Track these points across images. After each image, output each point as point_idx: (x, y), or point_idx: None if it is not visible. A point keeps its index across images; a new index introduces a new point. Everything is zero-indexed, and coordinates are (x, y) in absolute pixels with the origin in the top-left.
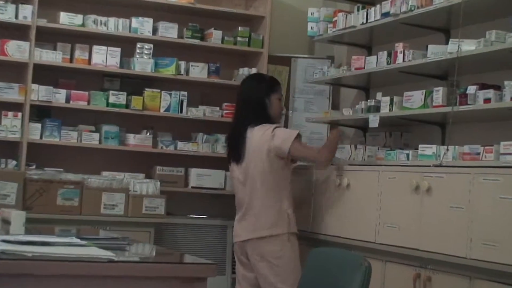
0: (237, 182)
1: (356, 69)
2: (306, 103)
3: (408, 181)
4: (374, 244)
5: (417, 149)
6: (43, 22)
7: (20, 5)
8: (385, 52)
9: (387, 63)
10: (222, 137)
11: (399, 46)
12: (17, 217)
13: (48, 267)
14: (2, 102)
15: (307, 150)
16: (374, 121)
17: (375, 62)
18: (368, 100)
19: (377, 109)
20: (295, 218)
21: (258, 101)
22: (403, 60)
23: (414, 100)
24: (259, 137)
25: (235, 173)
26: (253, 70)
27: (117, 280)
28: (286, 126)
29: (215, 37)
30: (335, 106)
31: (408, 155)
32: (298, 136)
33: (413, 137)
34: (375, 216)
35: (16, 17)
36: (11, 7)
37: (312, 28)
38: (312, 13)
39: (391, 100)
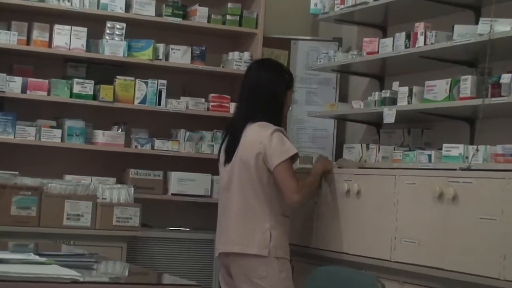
0: (222, 185)
1: (368, 53)
2: (309, 94)
3: (430, 188)
4: (389, 262)
5: (441, 149)
6: None
7: None
8: (403, 34)
9: (405, 47)
10: (208, 135)
11: (420, 27)
12: None
13: None
14: None
15: (288, 181)
16: (389, 115)
17: (391, 46)
18: (383, 91)
19: (393, 101)
20: (285, 242)
21: (273, 96)
22: (425, 43)
23: (437, 91)
24: (252, 136)
25: (223, 175)
26: (245, 55)
27: None
28: (284, 121)
29: (200, 14)
30: (343, 97)
31: (430, 156)
32: (293, 158)
33: (436, 135)
34: (390, 229)
35: None
36: None
37: (315, 4)
38: None
39: (410, 91)
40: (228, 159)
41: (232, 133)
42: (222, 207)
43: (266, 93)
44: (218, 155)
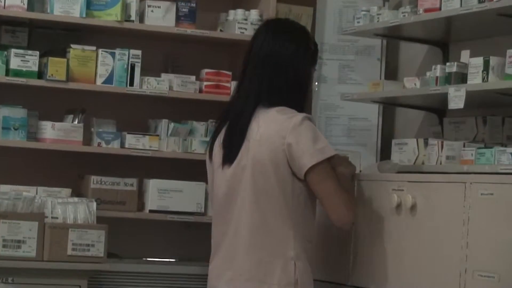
0: (218, 196)
1: (426, 10)
2: (342, 69)
3: None
4: None
5: None
6: None
7: None
8: None
9: (480, 1)
10: (200, 127)
11: None
12: None
13: None
14: None
15: (335, 193)
16: (457, 98)
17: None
18: (447, 64)
19: (462, 78)
20: (311, 277)
21: (295, 73)
22: None
23: None
24: (270, 126)
25: (220, 182)
26: (252, 14)
27: None
28: (309, 107)
29: None
30: (392, 73)
31: None
32: (332, 158)
33: None
34: (458, 259)
35: None
36: None
37: None
38: None
39: (486, 63)
40: (228, 160)
41: (233, 121)
42: (220, 229)
43: (285, 69)
44: (210, 153)
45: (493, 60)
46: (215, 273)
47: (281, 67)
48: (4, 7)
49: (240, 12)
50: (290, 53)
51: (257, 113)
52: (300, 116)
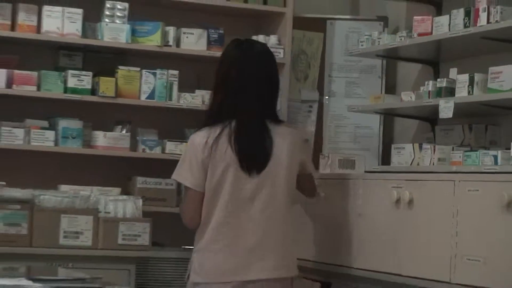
0: (237, 195)
1: (420, 35)
2: (349, 85)
3: (497, 195)
4: (448, 284)
5: (509, 149)
6: None
7: None
8: (461, 11)
9: (465, 26)
10: None
11: (482, 1)
12: None
13: None
14: None
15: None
16: (446, 109)
17: (447, 25)
18: (438, 80)
19: (451, 92)
20: None
21: (277, 87)
22: (488, 22)
23: (504, 79)
24: (292, 144)
25: (243, 186)
26: (272, 39)
27: None
28: (320, 117)
29: None
30: (391, 88)
31: (496, 157)
32: None
33: (503, 132)
34: (449, 245)
35: None
36: None
37: None
38: None
39: (471, 79)
40: (256, 169)
41: (252, 134)
42: (246, 221)
43: (276, 87)
44: (210, 149)
45: (477, 76)
46: (249, 263)
47: (276, 84)
48: (62, 35)
49: (261, 38)
50: (276, 73)
51: (269, 129)
52: (301, 129)
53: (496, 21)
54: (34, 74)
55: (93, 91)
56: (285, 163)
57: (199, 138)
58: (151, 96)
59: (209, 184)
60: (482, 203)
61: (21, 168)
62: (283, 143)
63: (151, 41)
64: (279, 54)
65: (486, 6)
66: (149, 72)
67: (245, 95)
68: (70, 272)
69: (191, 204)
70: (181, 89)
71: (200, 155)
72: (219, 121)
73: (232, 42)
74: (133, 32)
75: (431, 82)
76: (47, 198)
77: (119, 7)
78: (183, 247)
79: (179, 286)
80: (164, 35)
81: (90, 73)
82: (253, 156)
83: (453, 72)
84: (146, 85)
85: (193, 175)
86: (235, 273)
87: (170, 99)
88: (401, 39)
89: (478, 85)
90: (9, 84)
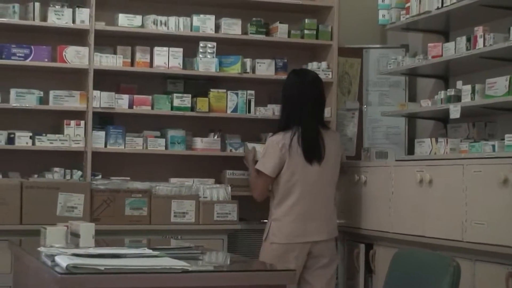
0: (306, 181)
1: (433, 57)
2: (381, 96)
3: (496, 175)
4: (461, 242)
5: (504, 139)
6: (101, 26)
7: (77, 9)
8: (464, 38)
9: (467, 49)
10: None
11: (479, 30)
12: (86, 230)
13: (122, 280)
14: (64, 111)
15: None
16: (455, 111)
17: (454, 49)
18: (448, 90)
19: (457, 98)
20: None
21: (324, 102)
22: (484, 45)
23: (497, 88)
24: (336, 142)
25: (310, 173)
26: (323, 64)
27: None
28: (360, 121)
29: (281, 31)
30: (412, 97)
31: (494, 146)
32: None
33: (498, 127)
34: (461, 213)
35: (74, 21)
36: (67, 12)
37: (383, 15)
38: (382, 0)
39: (473, 89)
40: (317, 160)
41: (312, 136)
42: (309, 202)
43: (324, 102)
44: (289, 149)
45: (477, 86)
46: (315, 229)
47: (324, 102)
48: (168, 68)
49: (315, 64)
50: (323, 93)
51: (323, 132)
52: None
53: (490, 44)
54: (149, 97)
55: (192, 108)
56: (334, 156)
57: (277, 139)
58: (235, 110)
59: (285, 172)
60: (484, 181)
61: (141, 167)
62: (331, 142)
63: (234, 70)
64: (329, 75)
65: (482, 34)
66: (233, 92)
67: (305, 109)
68: (180, 242)
69: (263, 185)
70: (257, 104)
71: (278, 151)
72: (288, 128)
73: (292, 72)
74: (220, 64)
75: (442, 92)
76: (161, 188)
77: (209, 45)
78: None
79: (259, 249)
80: (243, 65)
81: (190, 95)
82: (314, 152)
83: (459, 84)
84: (231, 102)
85: (271, 165)
86: (305, 236)
87: (249, 112)
88: (419, 61)
89: (478, 93)
90: (130, 105)
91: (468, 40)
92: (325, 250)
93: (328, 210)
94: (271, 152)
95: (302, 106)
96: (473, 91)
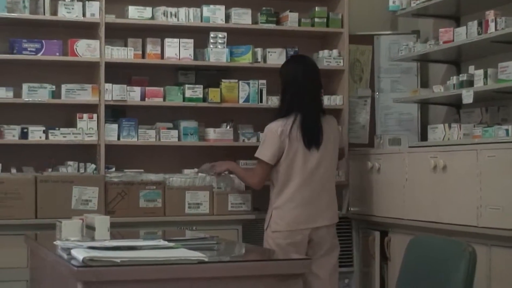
0: (306, 167)
1: (444, 42)
2: (393, 83)
3: (510, 159)
4: (476, 228)
5: None
6: (111, 18)
7: (87, 2)
8: (475, 22)
9: (478, 34)
10: None
11: (490, 14)
12: (102, 222)
13: (138, 272)
14: (76, 104)
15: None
16: (467, 96)
17: (465, 34)
18: (460, 75)
19: (470, 83)
20: None
21: (321, 87)
22: (495, 29)
23: (510, 72)
24: (334, 128)
25: (309, 158)
26: (334, 52)
27: (209, 281)
28: (373, 108)
29: (291, 19)
30: (424, 83)
31: (507, 131)
32: None
33: (511, 111)
34: (475, 198)
35: (84, 15)
36: (77, 5)
37: (393, 2)
38: None
39: (485, 73)
40: (316, 146)
41: (311, 122)
42: (310, 188)
43: (321, 87)
44: (289, 135)
45: (490, 71)
46: (316, 214)
47: (320, 87)
48: (179, 59)
49: (326, 52)
50: (320, 78)
51: (322, 118)
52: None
53: (502, 28)
54: (161, 89)
55: (204, 99)
56: (332, 141)
57: (276, 127)
58: (247, 100)
59: (285, 159)
60: (499, 165)
61: (154, 159)
62: (329, 128)
63: (245, 60)
64: (340, 63)
65: (494, 18)
66: (244, 82)
67: (306, 95)
68: (194, 233)
69: (262, 173)
70: (269, 93)
71: (277, 138)
72: (289, 114)
73: (290, 58)
74: (231, 54)
75: (455, 77)
76: (175, 179)
77: (220, 36)
78: None
79: None
80: (254, 54)
81: (201, 86)
82: (313, 138)
83: (471, 69)
84: (243, 92)
85: (269, 153)
86: (307, 222)
87: (261, 102)
88: (430, 46)
89: (490, 77)
90: (142, 98)
91: (480, 24)
92: (326, 237)
93: (328, 196)
94: (269, 139)
95: (303, 93)
96: (485, 75)
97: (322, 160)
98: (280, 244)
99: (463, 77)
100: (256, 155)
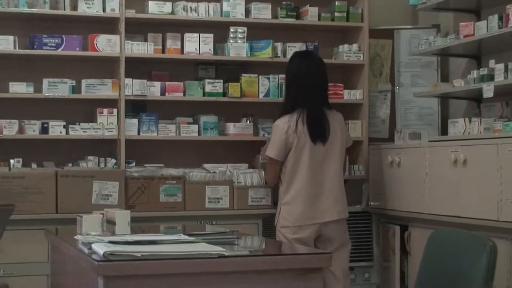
0: (312, 161)
1: (465, 36)
2: (413, 77)
3: None
4: (497, 222)
5: None
6: (131, 13)
7: None
8: (496, 16)
9: (499, 27)
10: None
11: (511, 8)
12: (122, 217)
13: (159, 267)
14: (96, 99)
15: None
16: (488, 90)
17: (485, 28)
18: (481, 69)
19: (490, 77)
20: None
21: (327, 83)
22: None
23: None
24: (340, 122)
25: (315, 153)
26: (354, 46)
27: (229, 275)
28: (393, 103)
29: (311, 14)
30: (445, 77)
31: None
32: None
33: None
34: (496, 193)
35: (104, 10)
36: (98, 0)
37: None
38: None
39: (506, 67)
40: (322, 140)
41: (317, 117)
42: (317, 183)
43: (327, 82)
44: (295, 130)
45: (510, 65)
46: (324, 209)
47: (327, 83)
48: (199, 54)
49: (346, 46)
50: (327, 73)
51: (327, 112)
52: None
53: None
54: (181, 84)
55: (224, 94)
56: (339, 136)
57: (282, 123)
58: (266, 94)
59: (292, 155)
60: None
61: (174, 153)
62: (335, 123)
63: (265, 54)
64: (360, 58)
65: None
66: (264, 77)
67: (311, 91)
68: (215, 227)
69: (273, 170)
70: None
71: (283, 135)
72: (294, 110)
73: (296, 54)
74: (251, 49)
75: (475, 71)
76: (195, 174)
77: (240, 30)
78: None
79: None
80: (274, 49)
81: (221, 81)
82: (319, 132)
83: (491, 63)
84: (263, 87)
85: (277, 150)
86: (315, 217)
87: (281, 96)
88: (450, 41)
89: (511, 71)
90: (163, 92)
91: (500, 18)
92: (335, 232)
93: (337, 191)
94: (276, 136)
95: (308, 88)
96: (506, 69)
97: (329, 154)
98: (289, 239)
99: (484, 71)
100: (266, 153)
